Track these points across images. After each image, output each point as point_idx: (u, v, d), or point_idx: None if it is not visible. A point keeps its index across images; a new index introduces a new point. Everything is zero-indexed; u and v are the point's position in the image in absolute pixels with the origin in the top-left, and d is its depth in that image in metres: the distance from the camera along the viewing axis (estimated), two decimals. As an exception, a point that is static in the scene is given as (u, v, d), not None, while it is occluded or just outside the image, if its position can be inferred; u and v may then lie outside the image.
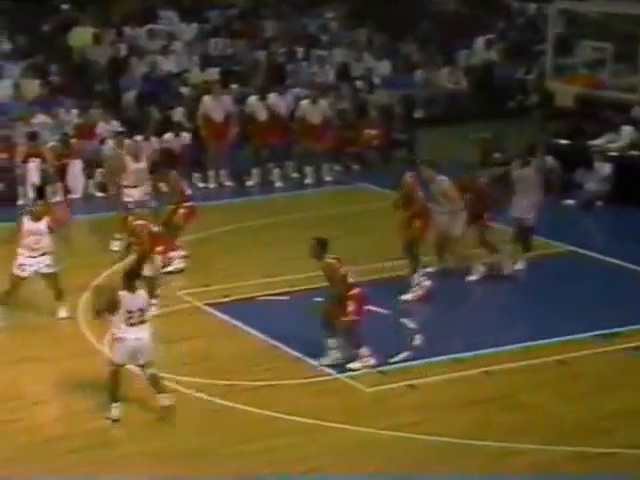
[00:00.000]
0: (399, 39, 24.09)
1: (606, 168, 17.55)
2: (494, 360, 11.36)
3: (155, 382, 10.22)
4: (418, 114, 21.93)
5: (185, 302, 13.02)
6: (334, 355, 11.18)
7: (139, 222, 12.81)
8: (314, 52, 22.70)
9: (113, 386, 10.11)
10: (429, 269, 13.42)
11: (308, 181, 18.67)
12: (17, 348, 11.83)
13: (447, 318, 12.76)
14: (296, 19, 24.33)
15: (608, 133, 18.34)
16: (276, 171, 18.60)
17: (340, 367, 11.09)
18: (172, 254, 13.88)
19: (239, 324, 12.30)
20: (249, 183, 18.56)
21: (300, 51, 22.66)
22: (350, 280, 11.16)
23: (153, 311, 12.53)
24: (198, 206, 14.58)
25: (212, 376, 10.95)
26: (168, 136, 17.99)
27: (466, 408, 10.39)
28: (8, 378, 11.02)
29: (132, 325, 10.01)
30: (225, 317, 12.56)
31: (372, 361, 11.09)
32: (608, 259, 14.53)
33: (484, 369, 11.16)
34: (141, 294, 10.12)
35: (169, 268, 13.75)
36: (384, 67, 22.73)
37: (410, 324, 12.29)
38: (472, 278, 13.67)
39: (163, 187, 14.79)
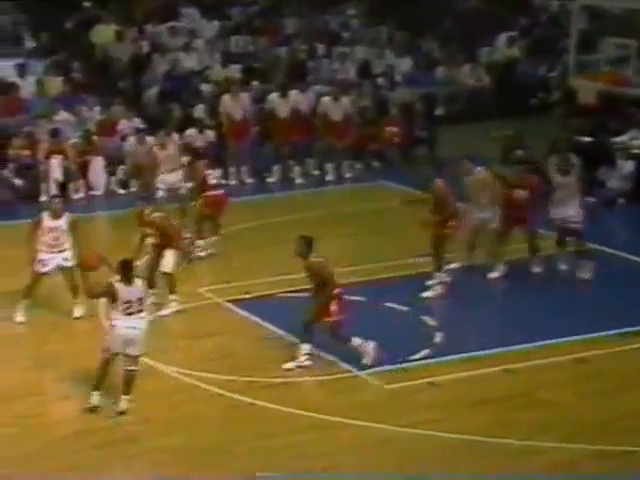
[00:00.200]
0: (421, 36, 24.02)
1: (629, 166, 17.45)
2: (514, 358, 11.32)
3: (128, 381, 10.17)
4: (439, 111, 21.86)
5: (206, 299, 13.05)
6: (303, 360, 11.03)
7: (157, 214, 12.83)
8: (335, 49, 22.67)
9: (101, 374, 10.13)
10: (452, 265, 13.38)
11: (329, 178, 18.68)
12: (37, 344, 11.91)
13: (467, 315, 12.72)
14: (317, 16, 24.31)
15: (631, 130, 18.22)
16: (297, 168, 18.62)
17: (360, 364, 11.08)
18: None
19: (259, 320, 12.31)
20: (270, 180, 18.59)
21: (321, 48, 22.64)
22: (335, 280, 11.07)
23: (172, 307, 12.63)
24: (223, 195, 14.63)
25: (232, 372, 10.97)
26: (190, 132, 18.04)
27: (486, 406, 10.36)
28: (28, 374, 11.09)
29: (130, 314, 10.06)
30: (245, 314, 12.58)
31: (371, 345, 10.99)
32: (630, 257, 14.45)
33: (504, 367, 11.12)
34: (138, 285, 10.16)
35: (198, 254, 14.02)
36: (405, 64, 22.67)
37: (430, 321, 12.26)
38: (493, 275, 13.64)
39: (190, 176, 15.06)
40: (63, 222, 12.13)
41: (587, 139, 18.48)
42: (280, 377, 10.91)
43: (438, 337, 11.82)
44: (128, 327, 10.06)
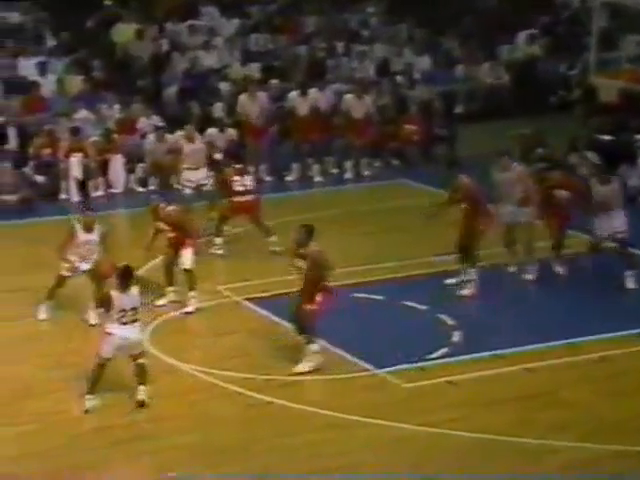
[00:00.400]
0: (440, 34, 23.96)
1: (650, 164, 17.33)
2: (534, 357, 11.28)
3: (141, 373, 10.21)
4: (458, 109, 21.81)
5: (225, 297, 13.08)
6: (313, 360, 10.91)
7: (173, 208, 12.84)
8: (354, 47, 22.66)
9: (95, 378, 10.17)
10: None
11: (347, 176, 18.68)
12: (58, 342, 11.97)
13: (486, 314, 12.68)
14: (337, 14, 24.29)
15: (652, 128, 18.12)
16: (315, 166, 18.62)
17: (376, 363, 11.06)
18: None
19: (277, 319, 12.31)
20: (288, 178, 18.60)
21: (340, 46, 22.62)
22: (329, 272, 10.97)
23: (195, 303, 12.63)
24: (250, 201, 14.59)
25: (250, 371, 10.98)
26: (211, 131, 18.07)
27: (504, 405, 10.33)
28: (48, 371, 11.15)
29: (124, 324, 10.08)
30: (264, 312, 12.59)
31: (320, 360, 10.85)
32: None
33: (523, 366, 11.09)
34: (134, 293, 10.16)
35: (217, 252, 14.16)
36: (424, 62, 22.62)
37: (448, 320, 12.23)
38: (529, 277, 13.50)
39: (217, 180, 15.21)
40: (96, 235, 12.28)
41: (607, 137, 18.38)
42: (298, 376, 10.90)
43: (456, 336, 11.78)
44: (122, 337, 10.10)
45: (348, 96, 18.82)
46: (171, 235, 12.71)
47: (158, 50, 21.45)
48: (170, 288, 12.85)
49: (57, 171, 17.60)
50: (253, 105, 18.29)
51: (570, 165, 16.73)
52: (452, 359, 11.26)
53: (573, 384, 10.79)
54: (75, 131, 17.69)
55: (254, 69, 21.20)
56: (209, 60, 21.40)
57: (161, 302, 12.69)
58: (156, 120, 18.62)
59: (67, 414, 10.26)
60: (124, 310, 10.07)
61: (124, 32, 21.72)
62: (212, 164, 16.33)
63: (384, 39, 23.24)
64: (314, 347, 10.93)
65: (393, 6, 24.68)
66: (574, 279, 13.64)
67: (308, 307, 10.85)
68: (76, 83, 19.88)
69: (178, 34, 22.27)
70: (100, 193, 17.70)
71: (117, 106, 19.12)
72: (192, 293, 12.67)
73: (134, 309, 10.13)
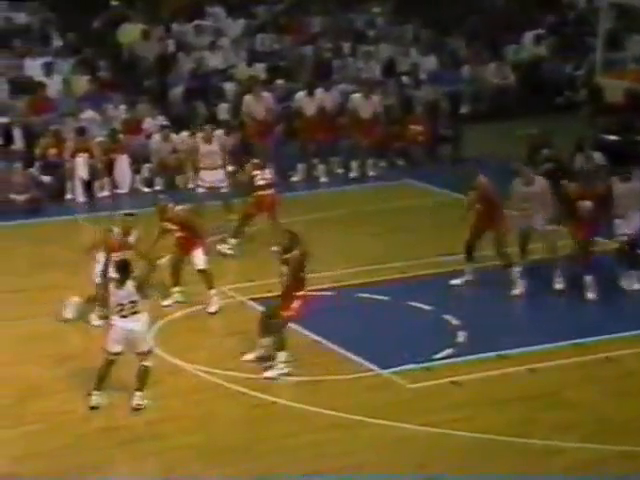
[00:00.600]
0: (446, 34, 23.95)
1: (656, 164, 17.26)
2: (539, 357, 11.27)
3: (141, 376, 10.22)
4: (464, 110, 21.79)
5: (230, 297, 13.08)
6: (282, 369, 10.87)
7: (181, 208, 12.84)
8: (360, 47, 22.66)
9: (102, 374, 10.19)
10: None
11: (353, 174, 18.67)
12: (65, 341, 11.99)
13: (491, 314, 12.66)
14: (342, 14, 24.30)
15: (659, 128, 18.08)
16: (321, 167, 18.62)
17: (381, 363, 11.06)
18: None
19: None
20: (294, 179, 18.59)
21: (346, 46, 22.62)
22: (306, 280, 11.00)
23: (217, 302, 12.58)
24: (272, 195, 14.62)
25: (254, 371, 10.98)
26: (218, 133, 18.05)
27: (509, 405, 10.32)
28: (55, 371, 11.16)
29: (124, 317, 10.12)
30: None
31: (287, 370, 10.83)
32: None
33: (529, 366, 11.08)
34: (129, 287, 10.16)
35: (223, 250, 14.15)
36: (430, 62, 22.61)
37: (453, 320, 12.22)
38: (558, 287, 13.21)
39: (240, 176, 15.11)
40: (133, 239, 12.12)
41: (614, 137, 18.35)
42: (302, 376, 10.91)
43: (461, 336, 11.78)
44: (124, 329, 10.13)
45: (356, 96, 18.84)
46: (179, 235, 12.71)
47: (164, 50, 21.47)
48: (176, 288, 12.85)
49: (63, 171, 17.63)
50: (258, 105, 18.30)
51: (579, 169, 16.55)
52: (457, 359, 11.25)
53: (578, 384, 10.77)
54: (81, 131, 17.72)
55: (260, 69, 21.20)
56: (215, 60, 21.42)
57: (166, 302, 12.70)
58: (162, 120, 18.64)
59: (72, 414, 10.27)
60: (122, 304, 10.12)
61: (130, 32, 21.75)
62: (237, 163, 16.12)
63: (390, 39, 23.23)
64: (284, 355, 10.88)
65: (399, 6, 24.68)
66: (580, 279, 13.61)
67: (284, 314, 10.88)
68: (82, 83, 19.90)
69: (184, 34, 22.30)
70: (106, 193, 17.72)
71: (123, 106, 19.14)
72: (213, 291, 12.61)
73: (132, 302, 10.14)
